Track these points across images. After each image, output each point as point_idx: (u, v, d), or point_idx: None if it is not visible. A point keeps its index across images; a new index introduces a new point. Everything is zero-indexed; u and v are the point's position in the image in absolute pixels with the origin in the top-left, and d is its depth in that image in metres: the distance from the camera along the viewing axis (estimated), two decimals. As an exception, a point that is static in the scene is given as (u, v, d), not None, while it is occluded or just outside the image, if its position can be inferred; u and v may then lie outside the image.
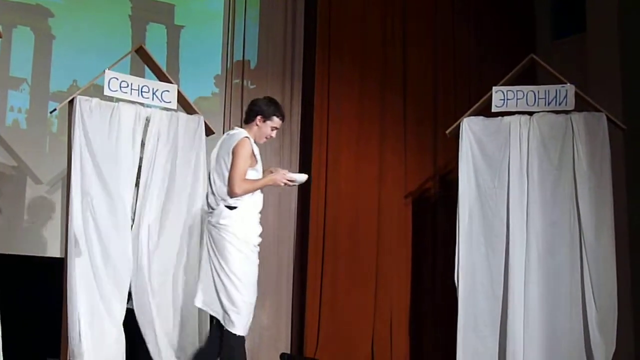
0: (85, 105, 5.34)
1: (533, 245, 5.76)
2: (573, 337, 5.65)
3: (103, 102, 5.44)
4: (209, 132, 5.89)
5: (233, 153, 4.73)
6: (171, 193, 5.58)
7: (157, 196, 5.54)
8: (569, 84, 5.92)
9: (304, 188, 6.83)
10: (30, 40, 6.20)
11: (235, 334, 4.65)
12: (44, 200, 6.05)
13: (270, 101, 4.98)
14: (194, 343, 5.47)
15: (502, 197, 5.86)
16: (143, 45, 5.86)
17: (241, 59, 6.78)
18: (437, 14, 7.54)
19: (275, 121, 4.93)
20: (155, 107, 5.69)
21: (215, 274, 4.71)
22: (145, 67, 5.97)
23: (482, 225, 5.87)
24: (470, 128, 6.00)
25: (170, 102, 5.72)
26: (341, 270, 6.82)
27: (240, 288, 4.67)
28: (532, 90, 5.99)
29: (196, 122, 5.77)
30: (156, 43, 6.52)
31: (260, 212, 4.83)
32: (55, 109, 5.53)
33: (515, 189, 5.84)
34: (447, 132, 6.22)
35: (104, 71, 5.48)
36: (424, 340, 6.99)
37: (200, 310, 5.11)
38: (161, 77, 5.84)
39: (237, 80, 6.76)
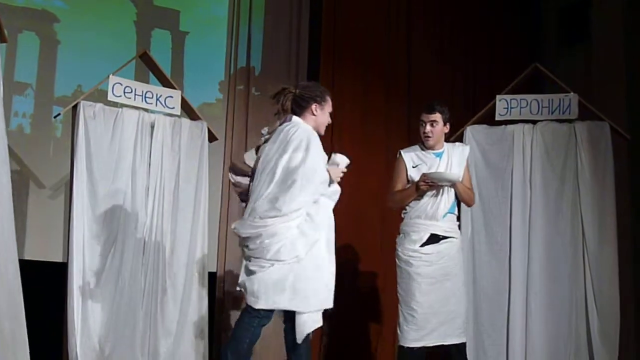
0: (89, 110, 5.37)
1: (535, 254, 5.74)
2: (575, 345, 5.63)
3: (107, 107, 5.48)
4: (212, 138, 5.91)
5: None
6: (177, 200, 5.62)
7: (167, 203, 5.57)
8: (572, 93, 5.92)
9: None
10: (36, 45, 6.21)
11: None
12: (47, 204, 6.06)
13: None
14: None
15: (505, 206, 5.85)
16: (147, 51, 5.89)
17: (245, 65, 6.78)
18: (442, 25, 7.54)
19: (423, 115, 5.09)
20: (159, 112, 5.72)
21: None
22: (150, 72, 6.00)
23: (485, 234, 5.85)
24: (474, 136, 5.99)
25: (173, 107, 5.75)
26: (343, 272, 6.77)
27: (401, 301, 5.01)
28: (535, 99, 5.98)
29: (200, 128, 5.80)
30: (161, 49, 6.54)
31: (433, 219, 4.97)
32: (59, 114, 5.58)
33: (518, 198, 5.83)
34: (450, 140, 6.21)
35: (108, 76, 5.51)
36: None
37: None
38: (165, 82, 5.86)
39: (242, 87, 6.76)
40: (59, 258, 5.86)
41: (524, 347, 5.67)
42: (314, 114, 4.26)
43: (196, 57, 6.73)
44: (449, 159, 5.08)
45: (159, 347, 5.45)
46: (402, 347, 4.93)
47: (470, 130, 6.00)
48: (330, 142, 6.88)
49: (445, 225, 5.00)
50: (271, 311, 4.06)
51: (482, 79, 7.56)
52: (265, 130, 4.31)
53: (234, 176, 4.44)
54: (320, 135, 4.22)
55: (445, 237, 4.99)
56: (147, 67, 5.94)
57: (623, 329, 5.63)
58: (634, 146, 6.40)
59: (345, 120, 6.99)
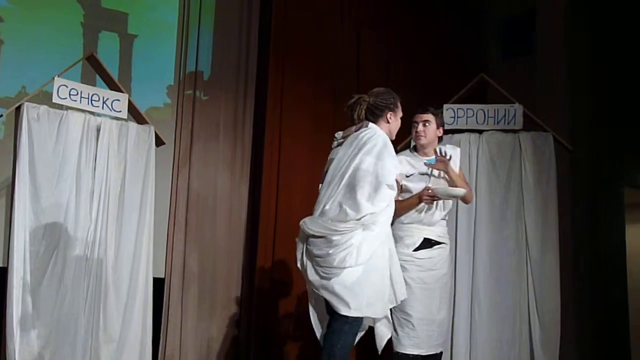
0: (32, 112, 5.28)
1: (480, 261, 5.81)
2: (518, 353, 5.71)
3: (51, 109, 5.40)
4: (159, 142, 5.87)
5: None
6: (122, 204, 5.56)
7: (112, 207, 5.50)
8: (517, 104, 6.02)
9: (254, 199, 6.81)
10: (-22, 45, 6.10)
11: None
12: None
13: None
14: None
15: (450, 214, 5.86)
16: (94, 53, 5.82)
17: (194, 69, 6.74)
18: (390, 35, 7.60)
19: (416, 116, 5.09)
20: (106, 116, 5.65)
21: None
22: (97, 75, 5.92)
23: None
24: (421, 144, 6.04)
25: (120, 111, 5.69)
26: (291, 283, 6.79)
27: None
28: (481, 109, 6.07)
29: (147, 132, 5.75)
30: (108, 51, 6.45)
31: (427, 224, 4.87)
32: (1, 115, 5.47)
33: (463, 206, 5.88)
34: (399, 147, 6.25)
35: (53, 78, 5.43)
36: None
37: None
38: (112, 85, 5.80)
39: (190, 91, 6.71)
40: (-1, 262, 5.74)
41: (469, 352, 5.72)
42: (388, 122, 4.35)
43: (145, 61, 6.66)
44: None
45: (101, 353, 5.38)
46: (398, 353, 4.82)
47: (417, 139, 6.04)
48: (279, 147, 6.89)
49: (439, 230, 4.97)
50: (360, 318, 4.08)
51: (429, 87, 7.63)
52: (339, 135, 4.37)
53: None
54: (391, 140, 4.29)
55: (438, 243, 4.94)
56: (94, 69, 5.87)
57: (563, 337, 5.73)
58: (577, 157, 6.52)
59: (295, 125, 6.99)
